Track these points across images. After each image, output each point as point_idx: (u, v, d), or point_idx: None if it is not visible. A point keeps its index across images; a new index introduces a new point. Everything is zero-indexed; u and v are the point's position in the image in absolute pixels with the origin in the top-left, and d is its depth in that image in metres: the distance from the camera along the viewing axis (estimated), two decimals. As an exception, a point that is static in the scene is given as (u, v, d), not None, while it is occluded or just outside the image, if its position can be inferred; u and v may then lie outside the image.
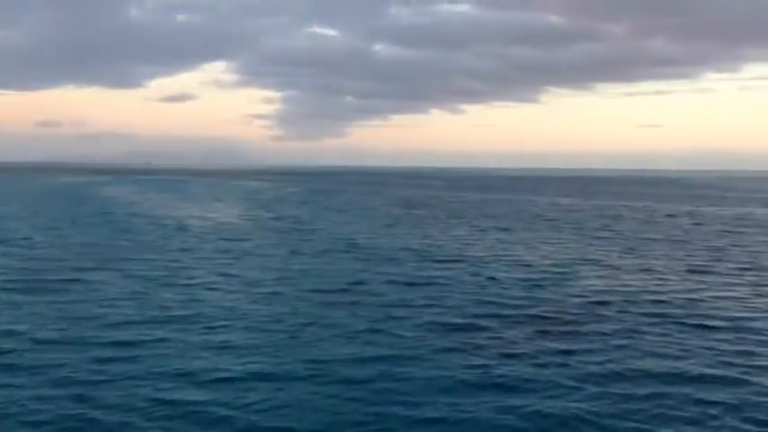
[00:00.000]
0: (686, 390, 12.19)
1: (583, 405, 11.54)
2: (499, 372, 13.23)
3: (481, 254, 29.98)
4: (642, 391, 12.14)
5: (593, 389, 12.28)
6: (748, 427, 10.73)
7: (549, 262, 27.55)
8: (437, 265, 26.42)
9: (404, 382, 12.71)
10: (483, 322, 17.13)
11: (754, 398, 11.82)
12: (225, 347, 14.84)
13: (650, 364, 13.69)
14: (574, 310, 18.45)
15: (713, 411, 11.26)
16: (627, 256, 29.89)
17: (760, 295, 20.79)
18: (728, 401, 11.64)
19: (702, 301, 19.88)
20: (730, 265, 27.03)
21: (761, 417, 11.07)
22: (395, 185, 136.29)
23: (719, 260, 28.60)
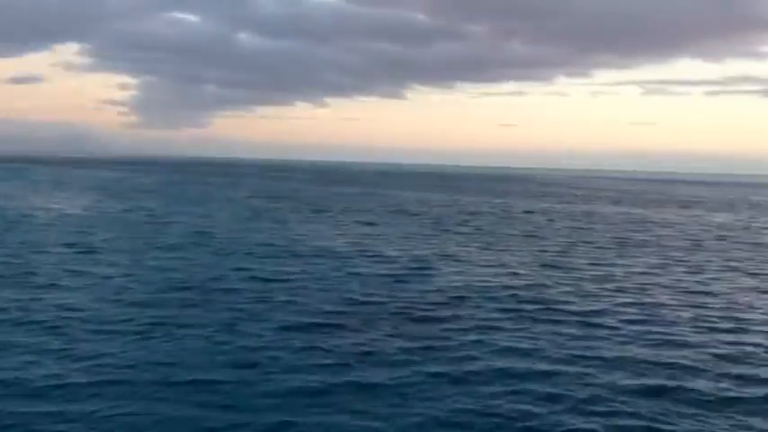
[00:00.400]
0: (539, 386, 12.47)
1: (440, 404, 11.53)
2: (359, 372, 13.02)
3: (344, 249, 29.83)
4: (497, 388, 12.30)
5: (450, 388, 12.33)
6: (596, 420, 11.08)
7: (410, 257, 27.80)
8: (298, 261, 26.00)
9: (260, 385, 12.24)
10: (344, 320, 16.90)
11: (602, 392, 12.25)
12: (66, 351, 13.77)
13: (506, 360, 13.95)
14: (434, 307, 18.60)
15: (563, 406, 11.57)
16: (485, 251, 30.71)
17: (606, 289, 21.84)
18: (578, 396, 12.00)
19: (554, 296, 20.62)
20: (580, 261, 28.35)
21: (605, 410, 11.47)
22: (258, 177, 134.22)
23: (570, 255, 29.95)
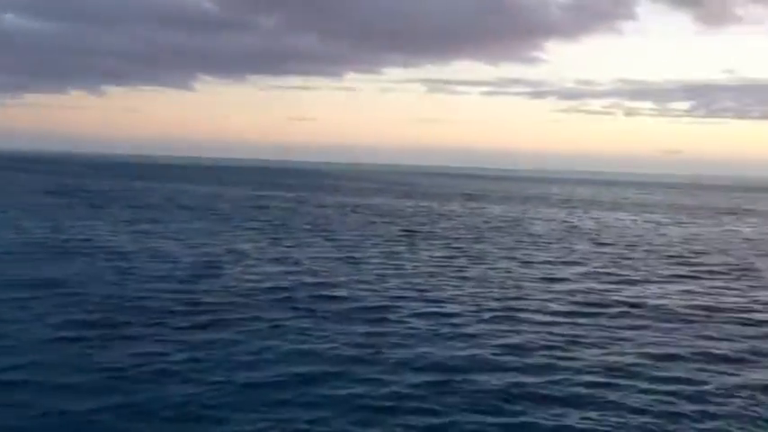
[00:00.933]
0: (331, 389, 12.12)
1: (228, 419, 10.80)
2: (135, 389, 11.87)
3: (123, 247, 27.78)
4: (289, 395, 11.75)
5: (239, 398, 11.61)
6: (388, 420, 10.90)
7: (196, 255, 26.47)
8: (70, 261, 23.74)
9: (16, 409, 10.73)
10: (119, 328, 15.45)
11: (392, 389, 12.13)
12: None
13: (297, 364, 13.33)
14: (222, 308, 17.65)
15: (353, 408, 11.28)
16: (277, 247, 30.06)
17: (396, 284, 22.07)
18: (370, 396, 11.79)
19: (346, 291, 20.45)
20: (371, 254, 28.56)
21: (396, 407, 11.37)
22: (26, 171, 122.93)
23: (362, 249, 30.11)
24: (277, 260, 26.14)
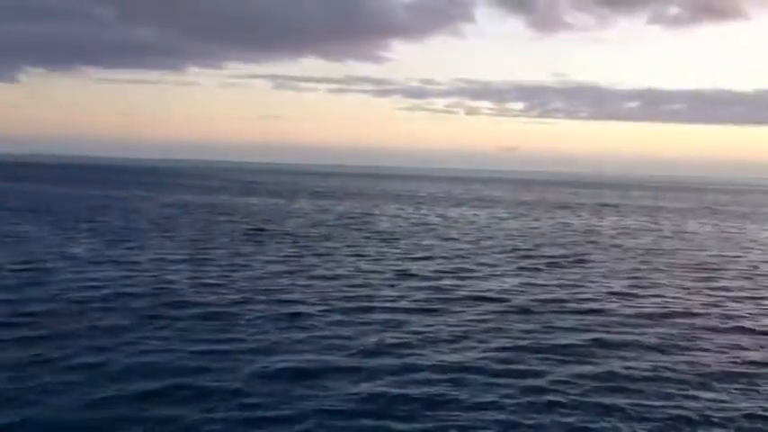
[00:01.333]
0: (165, 396, 11.37)
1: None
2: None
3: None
4: (129, 411, 10.83)
5: (71, 416, 10.52)
6: (242, 412, 10.31)
7: (21, 259, 24.32)
8: None
9: None
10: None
11: (233, 402, 11.52)
12: None
13: (137, 379, 12.47)
14: (47, 319, 16.22)
15: (190, 407, 10.58)
16: (113, 249, 28.25)
17: (242, 286, 21.28)
18: (207, 402, 11.13)
19: (189, 294, 19.47)
20: (217, 254, 27.47)
21: (231, 415, 10.82)
22: None
23: (206, 249, 28.92)
24: (115, 264, 24.50)
